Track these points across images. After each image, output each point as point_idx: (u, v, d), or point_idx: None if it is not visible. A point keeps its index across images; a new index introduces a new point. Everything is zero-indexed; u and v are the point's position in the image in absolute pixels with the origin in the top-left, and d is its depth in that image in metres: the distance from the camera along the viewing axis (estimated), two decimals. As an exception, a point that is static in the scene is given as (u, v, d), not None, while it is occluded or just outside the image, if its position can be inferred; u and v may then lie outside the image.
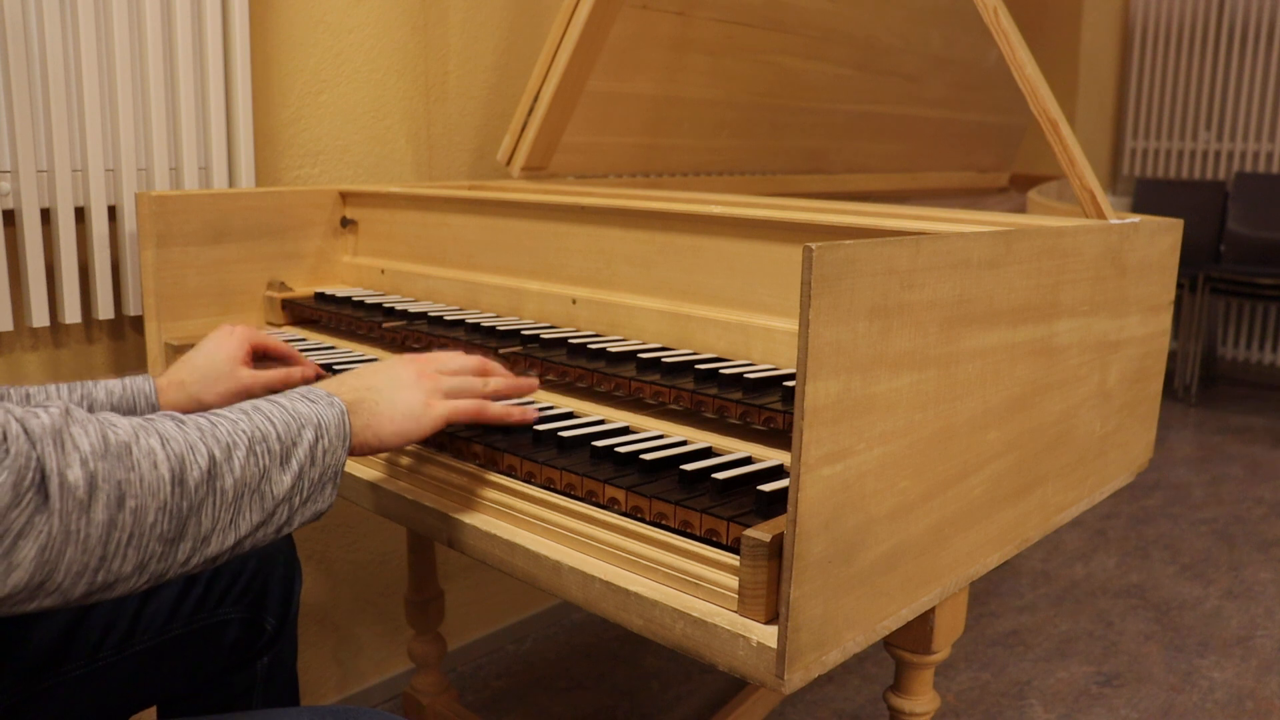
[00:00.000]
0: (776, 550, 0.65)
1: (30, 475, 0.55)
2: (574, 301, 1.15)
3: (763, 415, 0.84)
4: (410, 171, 1.79)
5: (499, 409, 0.86)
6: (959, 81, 2.44)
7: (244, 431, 0.68)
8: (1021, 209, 1.86)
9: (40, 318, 1.34)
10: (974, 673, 2.04)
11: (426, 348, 1.13)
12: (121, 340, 1.47)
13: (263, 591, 1.08)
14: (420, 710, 1.62)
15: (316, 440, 0.72)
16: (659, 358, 0.97)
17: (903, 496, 0.71)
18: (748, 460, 0.81)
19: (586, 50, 1.54)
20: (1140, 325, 1.06)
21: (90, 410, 0.91)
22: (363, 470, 0.97)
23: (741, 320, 0.99)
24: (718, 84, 1.82)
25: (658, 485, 0.76)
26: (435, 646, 1.62)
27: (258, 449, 0.68)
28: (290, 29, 1.59)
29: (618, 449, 0.82)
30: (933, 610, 0.87)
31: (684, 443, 0.86)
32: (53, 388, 0.92)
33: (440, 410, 0.81)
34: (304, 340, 1.30)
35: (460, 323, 1.18)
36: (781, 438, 0.86)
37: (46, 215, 1.34)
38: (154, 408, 0.96)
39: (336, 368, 1.11)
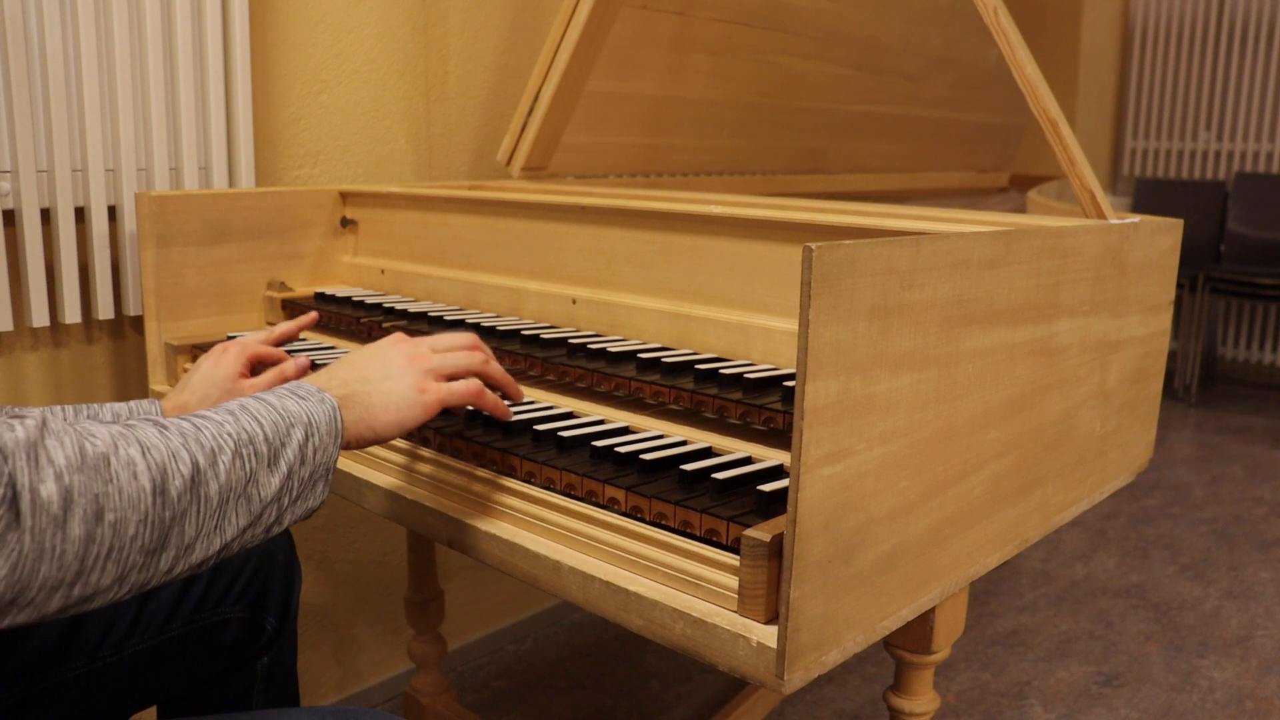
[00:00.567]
0: (776, 550, 0.65)
1: (1, 491, 0.53)
2: (574, 301, 1.15)
3: (763, 415, 0.84)
4: (410, 171, 1.79)
5: (494, 399, 0.85)
6: (959, 81, 2.44)
7: (230, 434, 0.66)
8: (1021, 209, 1.86)
9: (40, 318, 1.34)
10: (974, 673, 2.04)
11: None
12: (121, 340, 1.47)
13: (263, 591, 1.08)
14: (420, 710, 1.62)
15: (306, 439, 0.70)
16: (659, 358, 0.97)
17: (903, 496, 0.71)
18: (748, 460, 0.81)
19: (586, 50, 1.54)
20: (1140, 325, 1.06)
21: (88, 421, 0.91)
22: (363, 471, 0.97)
23: (741, 320, 0.99)
24: (718, 84, 1.82)
25: (658, 485, 0.76)
26: (435, 646, 1.62)
27: (244, 452, 0.66)
28: (290, 29, 1.59)
29: (618, 449, 0.82)
30: (933, 610, 0.87)
31: (684, 443, 0.86)
32: (58, 409, 0.91)
33: (435, 395, 0.80)
34: (304, 340, 1.30)
35: (460, 323, 1.18)
36: (781, 438, 0.86)
37: (46, 215, 1.34)
38: None
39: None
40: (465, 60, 1.84)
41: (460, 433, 0.90)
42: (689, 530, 0.72)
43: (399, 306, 1.28)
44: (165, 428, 0.64)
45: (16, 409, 0.88)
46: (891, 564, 0.72)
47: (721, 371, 0.91)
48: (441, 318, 1.20)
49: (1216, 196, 4.37)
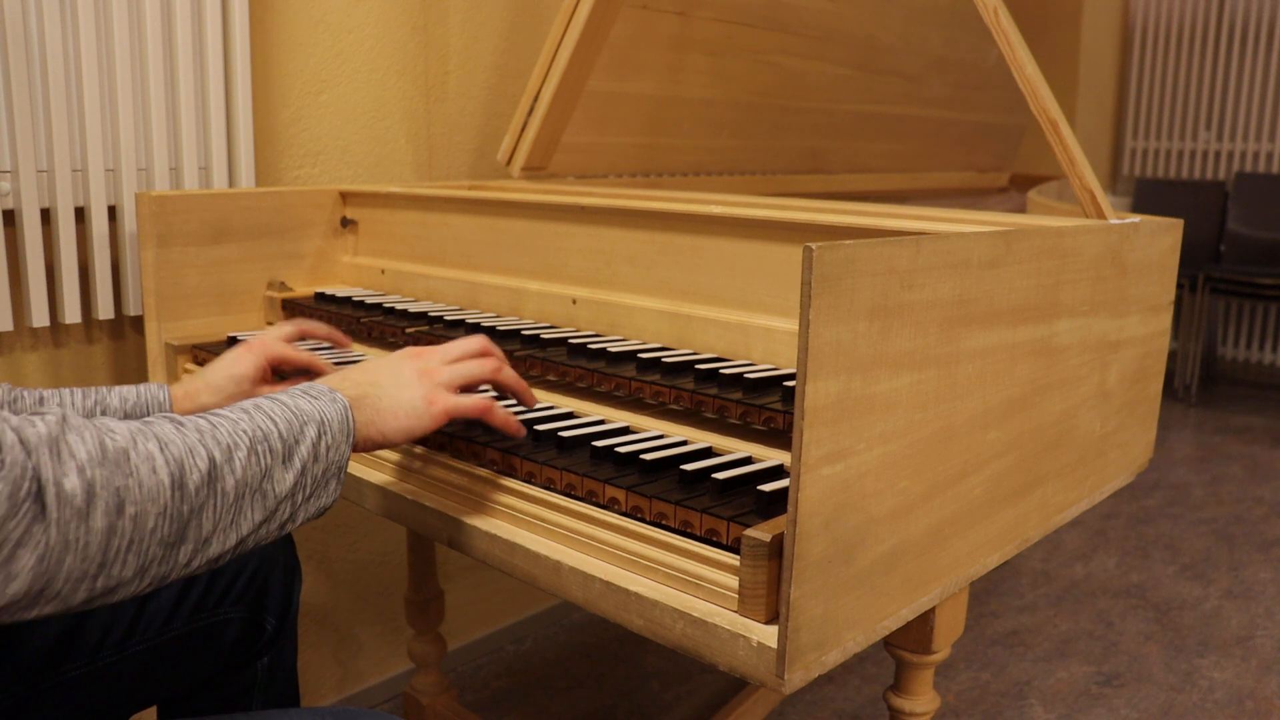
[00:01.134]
0: (776, 550, 0.65)
1: (27, 485, 0.55)
2: (574, 301, 1.15)
3: (763, 415, 0.84)
4: (410, 171, 1.79)
5: (504, 415, 0.85)
6: (959, 81, 2.44)
7: (245, 431, 0.67)
8: (1021, 209, 1.86)
9: (40, 318, 1.34)
10: (974, 673, 2.04)
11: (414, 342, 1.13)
12: (121, 340, 1.47)
13: (263, 591, 1.08)
14: (420, 710, 1.62)
15: (319, 437, 0.72)
16: (659, 358, 0.97)
17: (903, 496, 0.71)
18: (748, 460, 0.81)
19: (586, 50, 1.54)
20: (1140, 325, 1.06)
21: (103, 416, 0.91)
22: (363, 470, 0.97)
23: (741, 320, 0.99)
24: (718, 84, 1.82)
25: (658, 485, 0.76)
26: (435, 646, 1.62)
27: (259, 448, 0.67)
28: (290, 29, 1.59)
29: (618, 449, 0.82)
30: (933, 610, 0.87)
31: (684, 443, 0.86)
32: (67, 392, 0.92)
33: (444, 406, 0.81)
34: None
35: (460, 323, 1.18)
36: (781, 438, 0.86)
37: (46, 215, 1.34)
38: None
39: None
40: (465, 60, 1.84)
41: (460, 433, 0.90)
42: (689, 530, 0.72)
43: (399, 306, 1.28)
44: (181, 424, 0.65)
45: (23, 390, 0.89)
46: (891, 564, 0.72)
47: (721, 371, 0.91)
48: (442, 317, 1.20)
49: (1216, 196, 4.37)
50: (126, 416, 0.94)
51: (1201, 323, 4.13)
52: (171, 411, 0.96)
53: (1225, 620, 2.29)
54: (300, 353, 1.07)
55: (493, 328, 1.14)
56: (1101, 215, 1.05)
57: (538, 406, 0.97)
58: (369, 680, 1.90)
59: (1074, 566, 2.59)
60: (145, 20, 1.37)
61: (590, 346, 1.02)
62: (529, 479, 0.84)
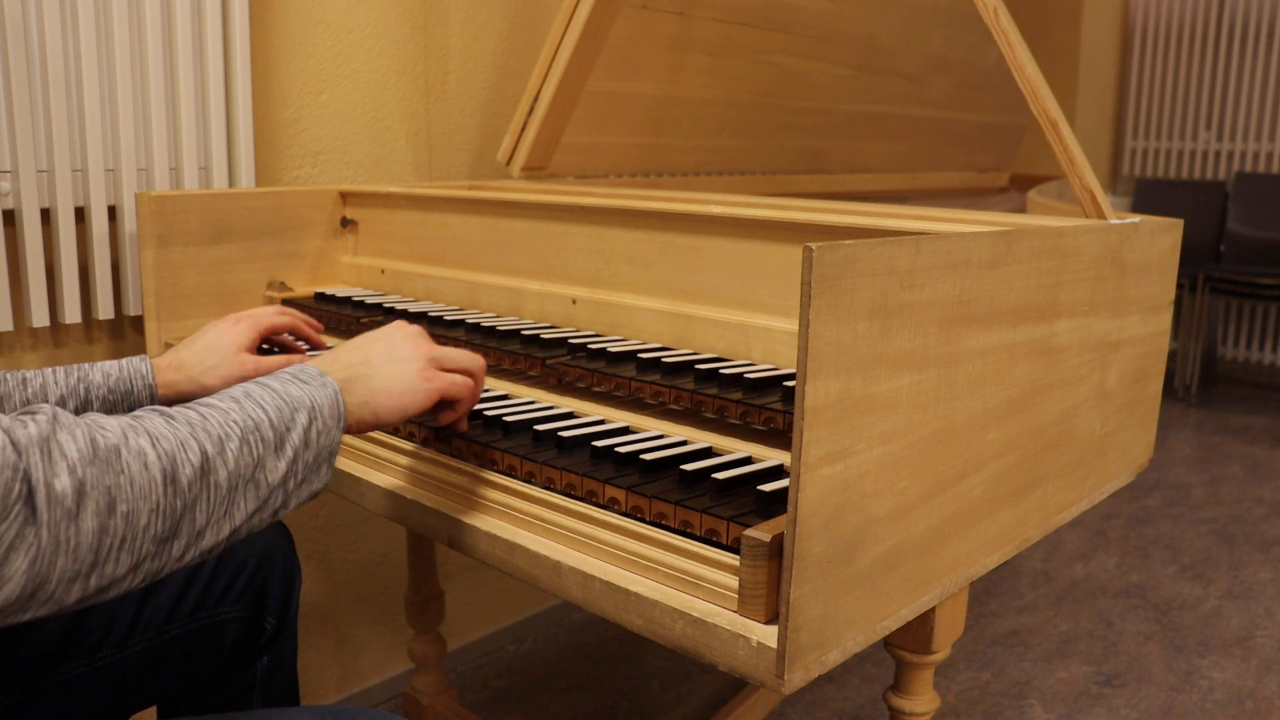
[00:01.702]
0: (776, 550, 0.65)
1: (17, 487, 0.54)
2: (574, 301, 1.15)
3: (763, 415, 0.84)
4: (410, 171, 1.79)
5: (468, 408, 0.86)
6: (959, 81, 2.44)
7: (236, 422, 0.67)
8: (1021, 209, 1.86)
9: (40, 318, 1.34)
10: (974, 673, 2.04)
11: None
12: (121, 340, 1.47)
13: (263, 591, 1.08)
14: (420, 710, 1.62)
15: (310, 423, 0.71)
16: (659, 358, 0.97)
17: (903, 496, 0.71)
18: (748, 460, 0.81)
19: (586, 50, 1.54)
20: (1140, 325, 1.06)
21: (87, 393, 0.92)
22: (363, 471, 0.97)
23: (741, 320, 0.99)
24: (718, 84, 1.82)
25: (658, 485, 0.76)
26: (435, 646, 1.62)
27: (250, 439, 0.67)
28: (290, 29, 1.59)
29: (618, 449, 0.82)
30: (933, 610, 0.87)
31: (684, 443, 0.86)
32: (49, 371, 0.92)
33: (438, 383, 0.81)
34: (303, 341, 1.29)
35: (460, 323, 1.18)
36: (781, 438, 0.86)
37: (46, 215, 1.34)
38: (151, 389, 0.96)
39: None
40: (465, 60, 1.84)
41: (461, 433, 0.90)
42: (689, 530, 0.72)
43: (399, 306, 1.28)
44: (172, 418, 0.65)
45: (5, 373, 0.88)
46: (891, 564, 0.72)
47: (721, 371, 0.91)
48: (442, 317, 1.20)
49: (1216, 196, 4.37)
50: (110, 392, 0.94)
51: (1201, 323, 4.13)
52: (154, 381, 0.96)
53: (1225, 620, 2.29)
54: (293, 322, 1.07)
55: (493, 328, 1.14)
56: (1101, 215, 1.05)
57: (538, 406, 0.97)
58: (369, 680, 1.90)
59: (1074, 566, 2.59)
60: (145, 20, 1.37)
61: (590, 346, 1.02)
62: (529, 479, 0.84)
